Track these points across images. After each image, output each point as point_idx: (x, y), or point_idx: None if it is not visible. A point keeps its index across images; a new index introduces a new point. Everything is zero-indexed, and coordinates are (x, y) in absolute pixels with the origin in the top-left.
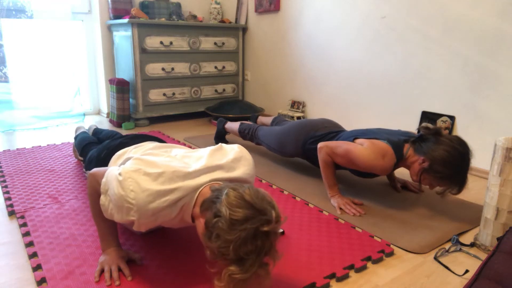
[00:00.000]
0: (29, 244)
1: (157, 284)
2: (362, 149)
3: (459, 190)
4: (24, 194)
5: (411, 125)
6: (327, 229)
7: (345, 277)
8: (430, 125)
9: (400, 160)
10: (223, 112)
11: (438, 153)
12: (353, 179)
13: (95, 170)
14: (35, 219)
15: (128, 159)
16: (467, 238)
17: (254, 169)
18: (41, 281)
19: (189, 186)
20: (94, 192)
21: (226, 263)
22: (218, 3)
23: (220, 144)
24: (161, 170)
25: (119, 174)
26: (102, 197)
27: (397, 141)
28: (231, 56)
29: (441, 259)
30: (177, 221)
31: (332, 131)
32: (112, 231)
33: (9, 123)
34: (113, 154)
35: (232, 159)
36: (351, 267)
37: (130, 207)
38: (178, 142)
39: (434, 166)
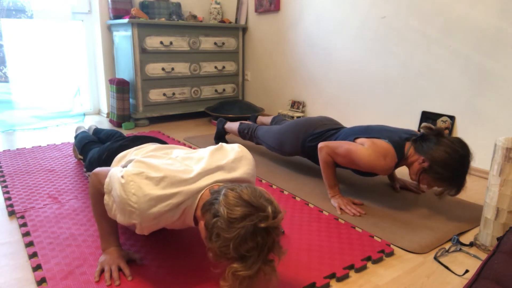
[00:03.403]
0: (29, 244)
1: (157, 284)
2: (363, 149)
3: (457, 192)
4: (24, 194)
5: (411, 125)
6: (327, 229)
7: (345, 277)
8: (432, 126)
9: (401, 159)
10: (223, 112)
11: (439, 154)
12: (353, 179)
13: (97, 169)
14: (35, 219)
15: (130, 161)
16: (467, 238)
17: (255, 169)
18: (41, 281)
19: (191, 190)
20: (96, 192)
21: (229, 262)
22: (218, 3)
23: (220, 143)
24: (163, 174)
25: (122, 176)
26: (106, 197)
27: (398, 140)
28: (231, 56)
29: (441, 259)
30: (180, 224)
31: (331, 128)
32: (112, 231)
33: (9, 123)
34: (114, 156)
35: (232, 159)
36: (351, 267)
37: (132, 210)
38: (178, 142)
39: (434, 167)
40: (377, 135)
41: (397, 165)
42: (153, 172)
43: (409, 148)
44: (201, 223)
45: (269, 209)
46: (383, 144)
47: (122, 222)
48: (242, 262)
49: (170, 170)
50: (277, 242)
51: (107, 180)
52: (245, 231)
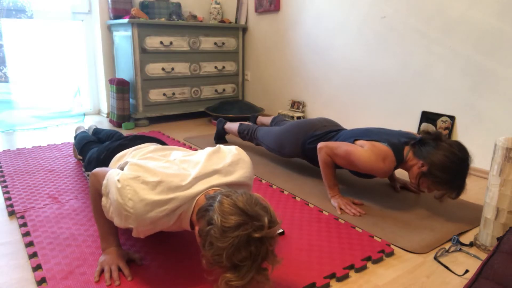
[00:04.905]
0: (29, 244)
1: (157, 284)
2: (362, 151)
3: (457, 195)
4: (24, 194)
5: (411, 125)
6: (327, 229)
7: (345, 277)
8: (431, 128)
9: (400, 163)
10: (223, 112)
11: (437, 158)
12: (353, 179)
13: (97, 170)
14: (35, 219)
15: (127, 163)
16: (467, 238)
17: (253, 172)
18: (41, 281)
19: (186, 195)
20: (95, 192)
21: (222, 270)
22: (218, 3)
23: (218, 146)
24: (159, 178)
25: (118, 180)
26: (103, 199)
27: (397, 143)
28: (231, 56)
29: (441, 259)
30: (176, 227)
31: (332, 130)
32: (112, 231)
33: (9, 123)
34: (113, 156)
35: (229, 162)
36: (351, 267)
37: (128, 215)
38: (178, 142)
39: (433, 171)
40: (376, 138)
41: (396, 168)
42: (150, 176)
43: (408, 152)
44: (197, 228)
45: (265, 218)
46: (382, 147)
47: (119, 225)
48: (235, 272)
49: (167, 174)
50: (271, 251)
51: (104, 182)
52: (238, 240)
